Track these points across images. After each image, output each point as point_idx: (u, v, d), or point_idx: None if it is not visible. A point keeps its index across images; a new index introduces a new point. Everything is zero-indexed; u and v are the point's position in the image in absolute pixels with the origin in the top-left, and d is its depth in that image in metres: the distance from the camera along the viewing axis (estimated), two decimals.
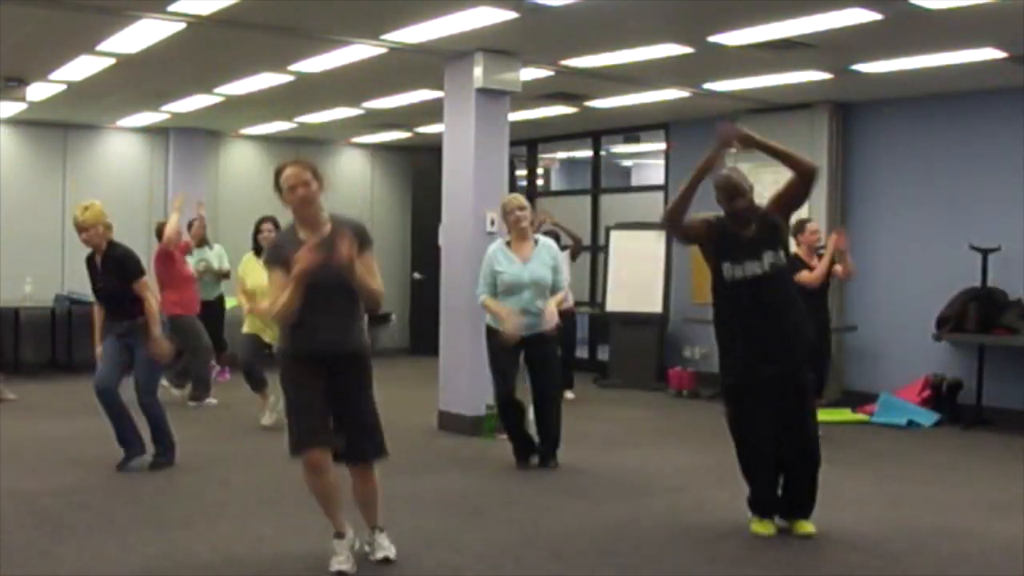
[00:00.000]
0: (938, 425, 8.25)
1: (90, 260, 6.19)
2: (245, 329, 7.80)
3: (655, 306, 10.46)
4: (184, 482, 5.88)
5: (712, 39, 6.84)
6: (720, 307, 4.98)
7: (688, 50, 7.18)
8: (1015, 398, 8.23)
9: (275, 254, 4.12)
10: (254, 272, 7.48)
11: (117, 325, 6.06)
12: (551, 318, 6.21)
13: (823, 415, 8.50)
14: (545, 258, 6.27)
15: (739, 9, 6.17)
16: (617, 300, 10.65)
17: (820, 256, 7.52)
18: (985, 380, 8.24)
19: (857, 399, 9.04)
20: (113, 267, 6.04)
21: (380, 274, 4.18)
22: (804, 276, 7.13)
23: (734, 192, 4.89)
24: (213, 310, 10.01)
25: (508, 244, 6.33)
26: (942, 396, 8.48)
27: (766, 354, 4.72)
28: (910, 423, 8.23)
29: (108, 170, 11.96)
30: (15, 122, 11.23)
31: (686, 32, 6.79)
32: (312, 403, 4.12)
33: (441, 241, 8.03)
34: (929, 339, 8.41)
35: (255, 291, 7.51)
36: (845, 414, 8.77)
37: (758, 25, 6.47)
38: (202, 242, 10.04)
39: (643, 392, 10.02)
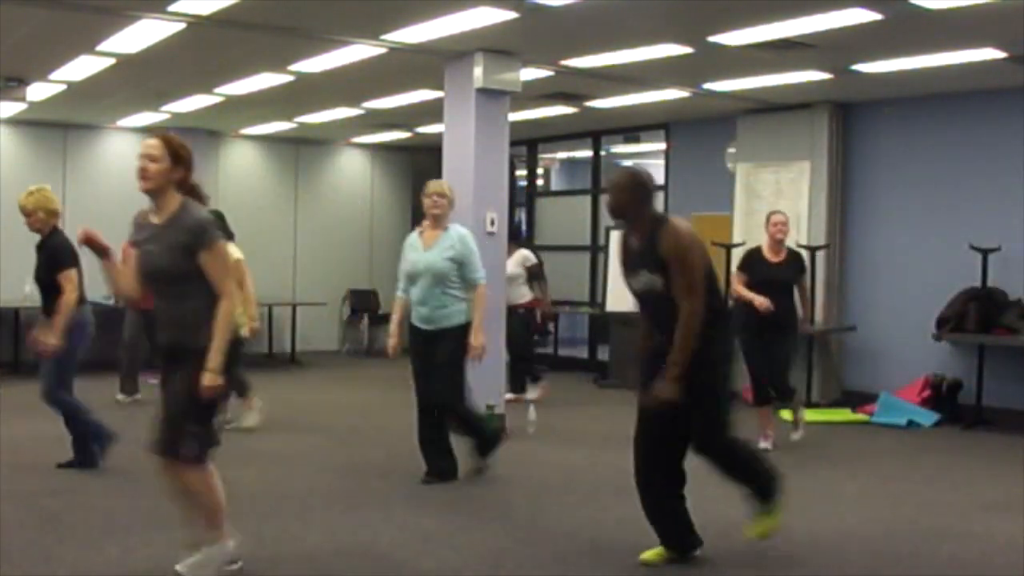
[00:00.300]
0: (938, 425, 8.25)
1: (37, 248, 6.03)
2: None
3: None
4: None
5: (712, 39, 6.83)
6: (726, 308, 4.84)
7: (688, 50, 7.18)
8: (1015, 398, 8.23)
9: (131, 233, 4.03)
10: None
11: (46, 319, 5.80)
12: (475, 342, 5.72)
13: (823, 415, 8.56)
14: (445, 247, 5.72)
15: (739, 9, 6.16)
16: (617, 300, 10.62)
17: (784, 251, 7.07)
18: (985, 380, 8.24)
19: (857, 399, 9.04)
20: (45, 256, 5.87)
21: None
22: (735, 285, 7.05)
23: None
24: None
25: (421, 233, 5.90)
26: (942, 396, 8.48)
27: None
28: (910, 423, 8.23)
29: (108, 170, 11.96)
30: (15, 122, 11.24)
31: (686, 32, 6.79)
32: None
33: None
34: (929, 339, 8.41)
35: None
36: (845, 414, 8.77)
37: (758, 25, 6.47)
38: None
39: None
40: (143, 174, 3.86)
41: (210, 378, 3.75)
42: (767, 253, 7.08)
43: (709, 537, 4.86)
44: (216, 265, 3.80)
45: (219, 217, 9.78)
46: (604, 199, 4.43)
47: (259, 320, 7.67)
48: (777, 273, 6.98)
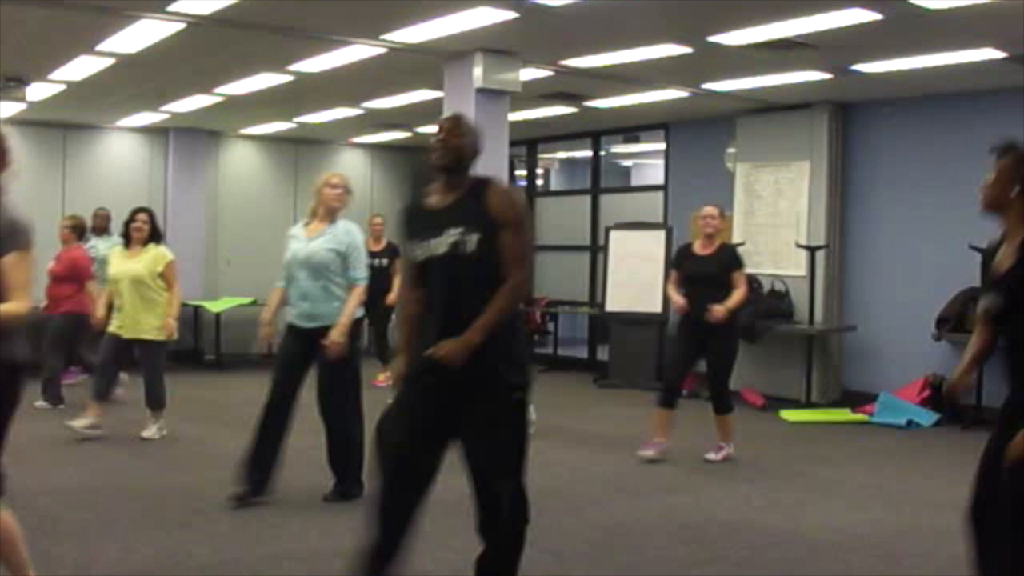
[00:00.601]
0: (938, 425, 8.25)
1: None
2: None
3: (655, 306, 10.46)
4: (184, 482, 5.88)
5: (712, 39, 6.83)
6: None
7: (688, 50, 7.18)
8: None
9: None
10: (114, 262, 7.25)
11: None
12: (336, 337, 5.22)
13: (823, 415, 8.56)
14: (329, 237, 5.36)
15: (739, 9, 6.16)
16: (617, 300, 10.65)
17: (715, 245, 6.70)
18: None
19: (857, 399, 9.04)
20: None
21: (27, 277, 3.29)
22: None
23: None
24: None
25: (307, 224, 5.55)
26: (942, 396, 8.48)
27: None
28: (910, 423, 8.23)
29: (108, 170, 11.96)
30: (15, 122, 11.21)
31: (686, 32, 6.79)
32: None
33: None
34: (929, 339, 8.41)
35: (116, 280, 7.17)
36: (845, 414, 8.77)
37: (758, 25, 6.47)
38: (103, 232, 9.72)
39: (643, 392, 10.01)
40: None
41: None
42: (696, 247, 6.78)
43: (709, 537, 4.87)
44: (16, 271, 3.25)
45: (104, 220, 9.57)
46: (441, 143, 3.76)
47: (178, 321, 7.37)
48: (703, 266, 6.59)
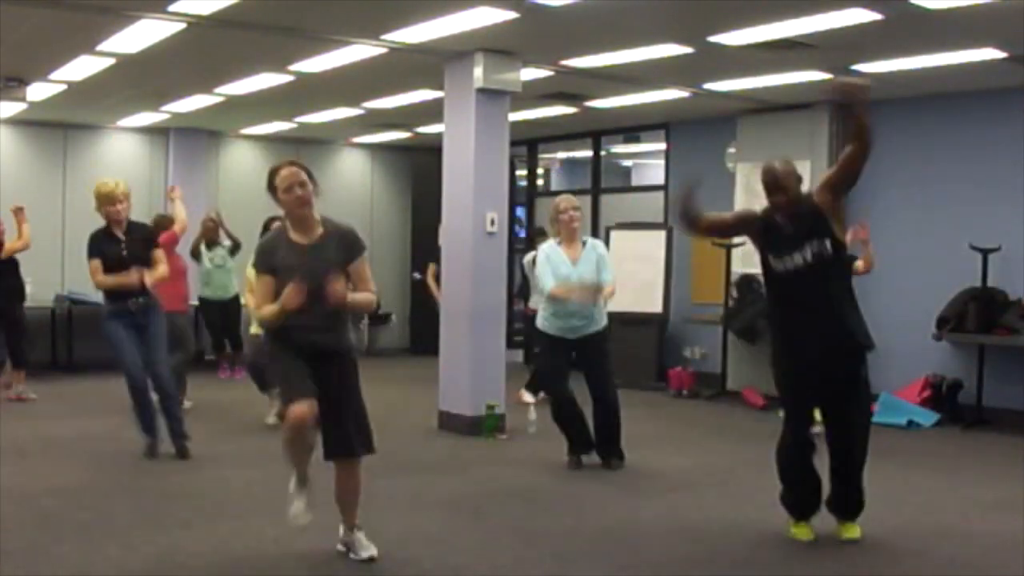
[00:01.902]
0: (938, 425, 8.25)
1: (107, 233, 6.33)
2: (252, 330, 7.79)
3: (655, 306, 10.46)
4: (184, 482, 5.88)
5: (712, 39, 6.83)
6: (768, 299, 4.97)
7: (688, 50, 7.18)
8: (1015, 398, 8.23)
9: (265, 260, 4.19)
10: None
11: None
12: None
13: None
14: (592, 257, 6.30)
15: (739, 9, 6.16)
16: (617, 300, 10.57)
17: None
18: (985, 380, 8.24)
19: None
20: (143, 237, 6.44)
21: (373, 277, 4.24)
22: None
23: (772, 187, 4.65)
24: (228, 309, 10.23)
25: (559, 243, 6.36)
26: (942, 396, 8.48)
27: (805, 347, 4.60)
28: (910, 423, 8.23)
29: (108, 170, 11.88)
30: (15, 122, 11.24)
31: (686, 32, 6.79)
32: (301, 369, 4.10)
33: (441, 241, 8.03)
34: (929, 339, 8.40)
35: None
36: None
37: (758, 25, 6.47)
38: (212, 243, 10.21)
39: (643, 392, 10.01)
40: (304, 200, 4.16)
41: None
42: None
43: (710, 537, 4.87)
44: (365, 264, 4.27)
45: None
46: (774, 182, 4.62)
47: None
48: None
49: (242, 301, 10.14)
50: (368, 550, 4.32)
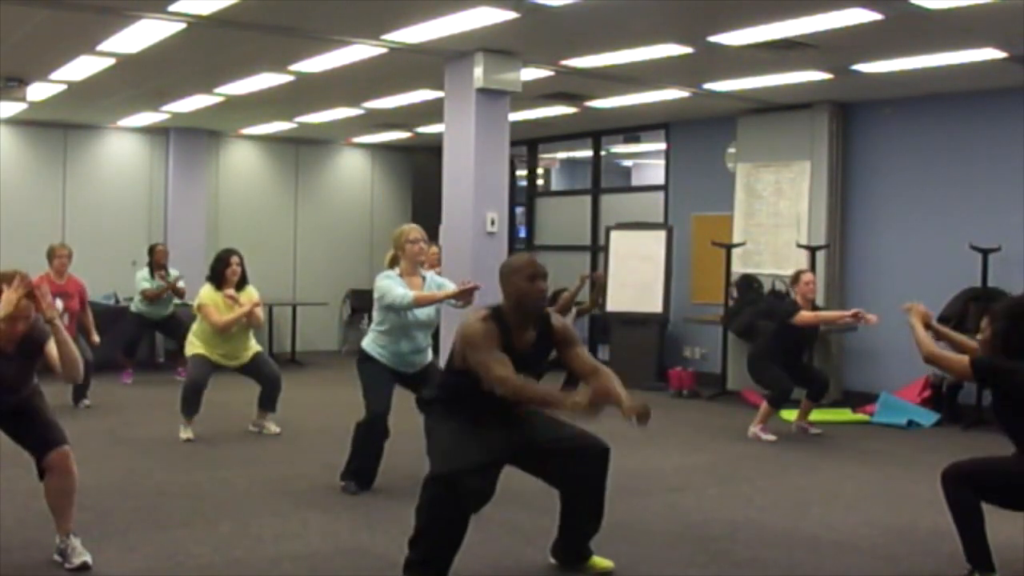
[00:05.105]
0: (938, 425, 8.25)
1: None
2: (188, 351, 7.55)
3: (655, 306, 10.46)
4: (184, 482, 5.88)
5: (712, 39, 6.83)
6: None
7: (688, 50, 7.18)
8: None
9: None
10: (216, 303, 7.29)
11: None
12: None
13: (823, 415, 8.56)
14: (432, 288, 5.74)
15: (739, 9, 6.16)
16: (617, 300, 10.65)
17: (815, 308, 7.69)
18: None
19: (857, 399, 9.04)
20: None
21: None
22: (803, 316, 7.41)
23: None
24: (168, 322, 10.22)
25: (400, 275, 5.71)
26: (942, 396, 8.48)
27: None
28: (910, 423, 8.23)
29: (108, 170, 11.97)
30: (15, 122, 11.24)
31: (686, 32, 6.79)
32: None
33: (441, 241, 8.03)
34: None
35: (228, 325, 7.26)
36: (845, 414, 8.77)
37: (758, 25, 6.47)
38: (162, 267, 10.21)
39: (643, 392, 9.98)
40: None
41: None
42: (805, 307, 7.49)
43: (709, 537, 4.87)
44: None
45: None
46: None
47: None
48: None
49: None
50: (82, 556, 4.17)
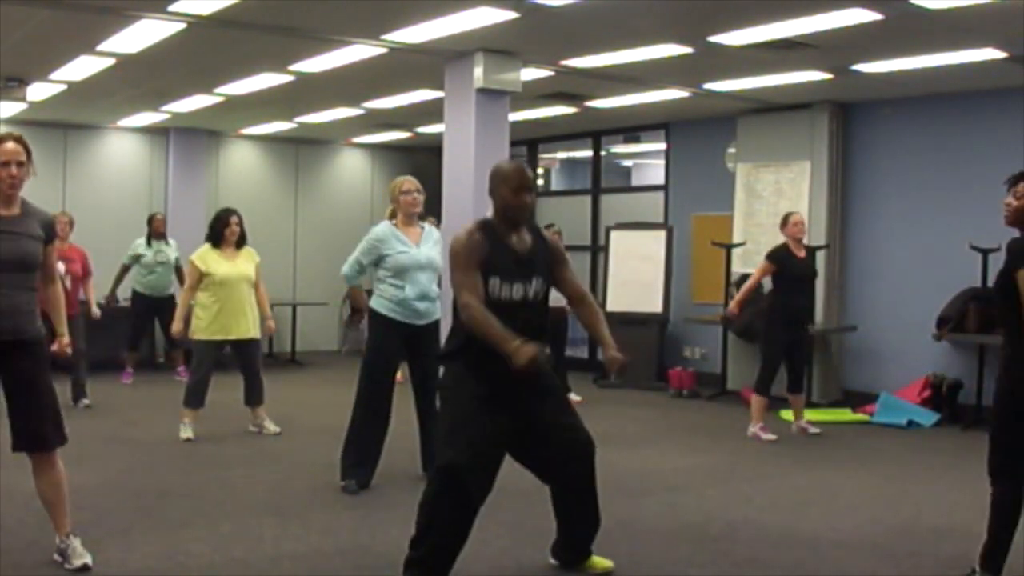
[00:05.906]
0: (938, 425, 8.25)
1: None
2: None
3: (655, 306, 10.46)
4: (184, 482, 5.88)
5: (712, 39, 6.84)
6: None
7: (688, 50, 7.18)
8: None
9: None
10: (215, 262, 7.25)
11: None
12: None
13: (823, 415, 8.56)
14: (429, 242, 5.90)
15: (739, 9, 6.16)
16: (617, 300, 10.65)
17: (806, 248, 7.68)
18: (985, 380, 8.23)
19: (857, 399, 9.04)
20: None
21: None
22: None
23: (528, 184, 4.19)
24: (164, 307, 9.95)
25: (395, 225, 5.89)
26: (942, 396, 8.48)
27: None
28: (910, 423, 8.23)
29: (108, 170, 11.97)
30: (15, 122, 11.22)
31: (686, 32, 6.79)
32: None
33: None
34: (929, 339, 8.40)
35: (226, 282, 7.23)
36: (845, 414, 8.77)
37: (758, 25, 6.47)
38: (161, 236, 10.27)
39: (643, 392, 10.02)
40: (20, 180, 4.09)
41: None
42: (795, 252, 7.47)
43: (709, 537, 4.87)
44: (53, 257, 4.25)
45: None
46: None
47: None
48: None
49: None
50: (82, 557, 4.15)
